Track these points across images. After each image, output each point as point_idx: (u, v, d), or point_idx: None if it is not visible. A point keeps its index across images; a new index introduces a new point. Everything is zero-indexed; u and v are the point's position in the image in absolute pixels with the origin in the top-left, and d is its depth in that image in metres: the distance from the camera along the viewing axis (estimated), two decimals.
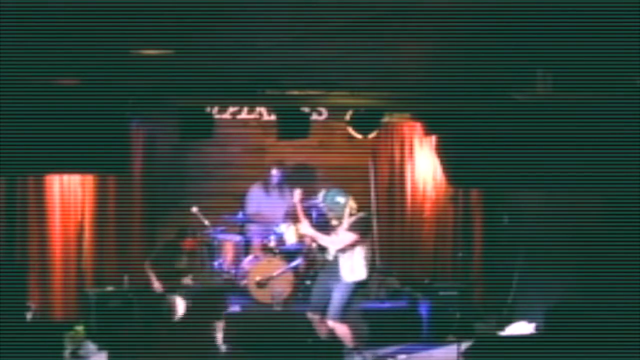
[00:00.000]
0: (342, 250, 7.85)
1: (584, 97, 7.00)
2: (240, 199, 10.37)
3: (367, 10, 4.61)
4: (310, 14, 4.67)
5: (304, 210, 10.09)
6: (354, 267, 7.83)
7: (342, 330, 7.82)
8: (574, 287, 8.29)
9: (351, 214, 7.94)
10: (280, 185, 10.35)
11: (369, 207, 10.51)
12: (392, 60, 6.35)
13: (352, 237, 7.83)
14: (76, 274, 9.47)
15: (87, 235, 9.61)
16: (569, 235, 8.41)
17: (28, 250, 9.24)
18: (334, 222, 7.98)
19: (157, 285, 8.64)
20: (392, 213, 10.60)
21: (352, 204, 7.99)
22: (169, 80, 7.13)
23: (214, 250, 9.83)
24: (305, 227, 8.16)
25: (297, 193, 8.27)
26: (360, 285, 7.92)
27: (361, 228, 7.92)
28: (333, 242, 7.92)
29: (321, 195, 8.08)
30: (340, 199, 7.95)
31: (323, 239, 8.01)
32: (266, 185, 10.35)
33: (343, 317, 7.81)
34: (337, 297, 7.82)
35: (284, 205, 10.33)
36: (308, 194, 10.24)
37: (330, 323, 7.85)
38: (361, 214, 8.04)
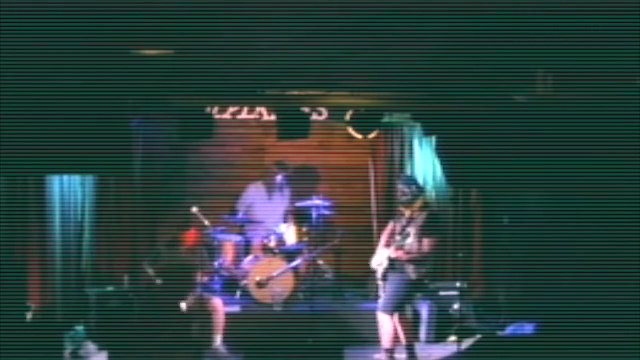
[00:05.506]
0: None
1: (584, 97, 7.00)
2: (240, 199, 10.36)
3: (367, 10, 4.61)
4: (310, 14, 4.67)
5: (304, 210, 10.12)
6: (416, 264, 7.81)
7: (387, 325, 7.84)
8: (573, 287, 8.28)
9: (421, 208, 7.91)
10: (280, 185, 10.33)
11: (369, 207, 10.55)
12: (392, 60, 6.35)
13: (429, 244, 7.80)
14: (76, 274, 9.46)
15: (87, 235, 9.61)
16: (568, 235, 8.40)
17: (28, 250, 9.23)
18: (403, 210, 7.97)
19: (159, 280, 8.62)
20: (392, 213, 10.57)
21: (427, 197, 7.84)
22: (169, 80, 7.13)
23: (214, 250, 9.82)
24: (393, 253, 7.96)
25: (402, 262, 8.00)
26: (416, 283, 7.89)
27: (436, 230, 7.88)
28: (410, 254, 7.83)
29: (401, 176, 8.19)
30: (411, 185, 7.94)
31: (405, 256, 7.86)
32: (267, 185, 10.32)
33: (393, 311, 7.82)
34: (390, 291, 7.83)
35: (283, 205, 10.33)
36: (306, 195, 10.30)
37: (379, 315, 7.88)
38: (431, 210, 8.00)
